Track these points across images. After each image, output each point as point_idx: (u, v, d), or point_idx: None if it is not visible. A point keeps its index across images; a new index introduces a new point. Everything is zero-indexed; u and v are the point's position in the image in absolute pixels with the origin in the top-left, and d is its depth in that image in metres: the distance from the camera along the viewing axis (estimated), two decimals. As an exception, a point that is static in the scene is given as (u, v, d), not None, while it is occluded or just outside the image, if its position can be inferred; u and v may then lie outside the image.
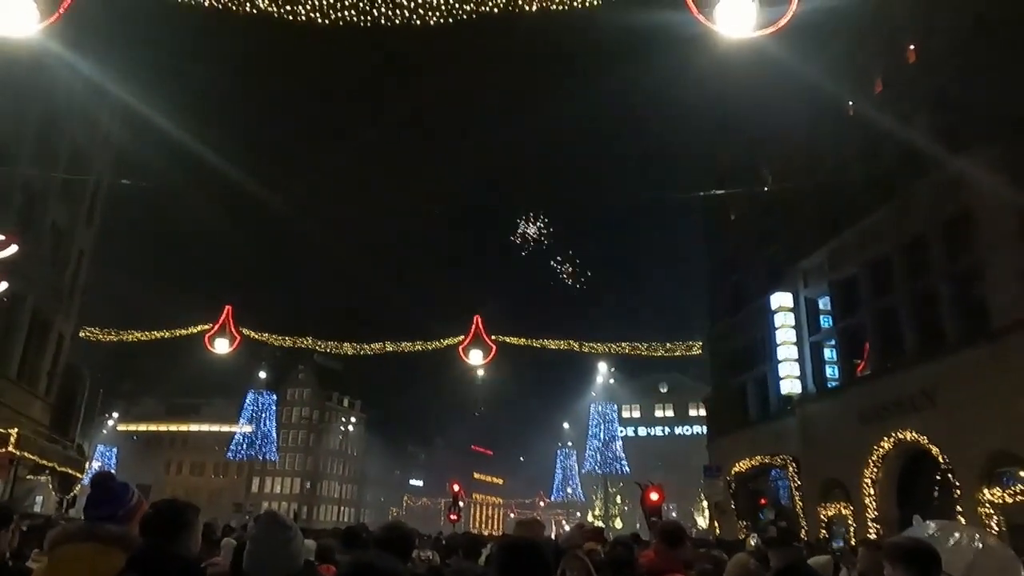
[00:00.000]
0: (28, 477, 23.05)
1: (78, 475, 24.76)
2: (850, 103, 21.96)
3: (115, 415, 63.70)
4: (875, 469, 18.74)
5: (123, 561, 2.73)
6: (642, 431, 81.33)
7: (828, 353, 22.39)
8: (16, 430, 19.82)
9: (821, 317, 22.69)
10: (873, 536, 16.65)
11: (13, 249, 17.82)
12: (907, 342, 18.49)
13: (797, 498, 22.05)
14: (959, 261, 17.40)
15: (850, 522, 19.58)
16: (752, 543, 8.58)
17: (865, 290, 20.24)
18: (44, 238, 23.35)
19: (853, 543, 15.10)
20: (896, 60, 20.48)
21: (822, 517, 20.76)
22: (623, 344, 31.23)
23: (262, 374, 62.18)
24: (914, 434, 17.53)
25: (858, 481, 19.03)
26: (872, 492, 18.75)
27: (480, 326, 27.06)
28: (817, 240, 22.08)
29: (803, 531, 20.51)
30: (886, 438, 18.37)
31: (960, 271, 17.37)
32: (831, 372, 22.17)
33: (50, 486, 24.95)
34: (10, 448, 19.45)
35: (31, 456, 21.13)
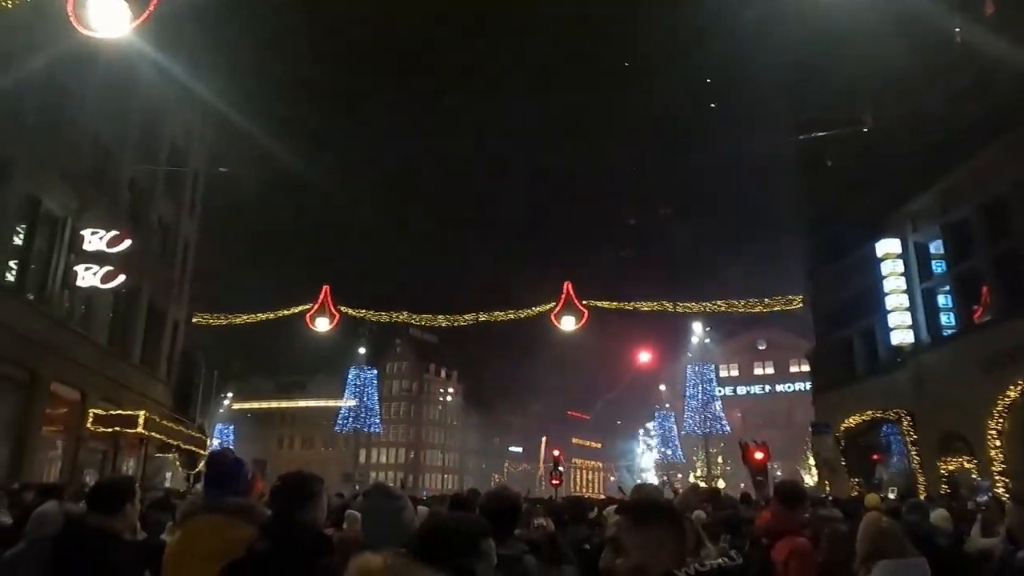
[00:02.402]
0: (157, 455, 24.80)
1: (201, 452, 26.42)
2: (957, 30, 20.33)
3: (229, 395, 67.40)
4: (1001, 419, 17.60)
5: (248, 531, 2.82)
6: (741, 390, 79.73)
7: (942, 300, 21.10)
8: (143, 412, 21.29)
9: (933, 262, 21.37)
10: (1001, 490, 15.73)
11: (127, 244, 18.98)
12: (1032, 283, 17.18)
13: (913, 453, 21.05)
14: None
15: (974, 476, 18.55)
16: (873, 500, 8.20)
17: (981, 231, 18.88)
18: (153, 232, 24.69)
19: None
20: (1009, -23, 18.77)
21: (942, 471, 19.76)
22: (718, 302, 30.44)
23: (361, 350, 64.25)
24: (1044, 381, 16.35)
25: (982, 433, 17.94)
26: (998, 444, 17.64)
27: (571, 292, 26.99)
28: (925, 181, 20.69)
29: (921, 487, 19.64)
30: (1012, 387, 17.20)
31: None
32: (946, 320, 20.90)
33: (177, 463, 26.76)
34: (139, 429, 20.94)
35: (158, 436, 22.70)
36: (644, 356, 41.42)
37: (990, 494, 15.40)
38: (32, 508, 4.34)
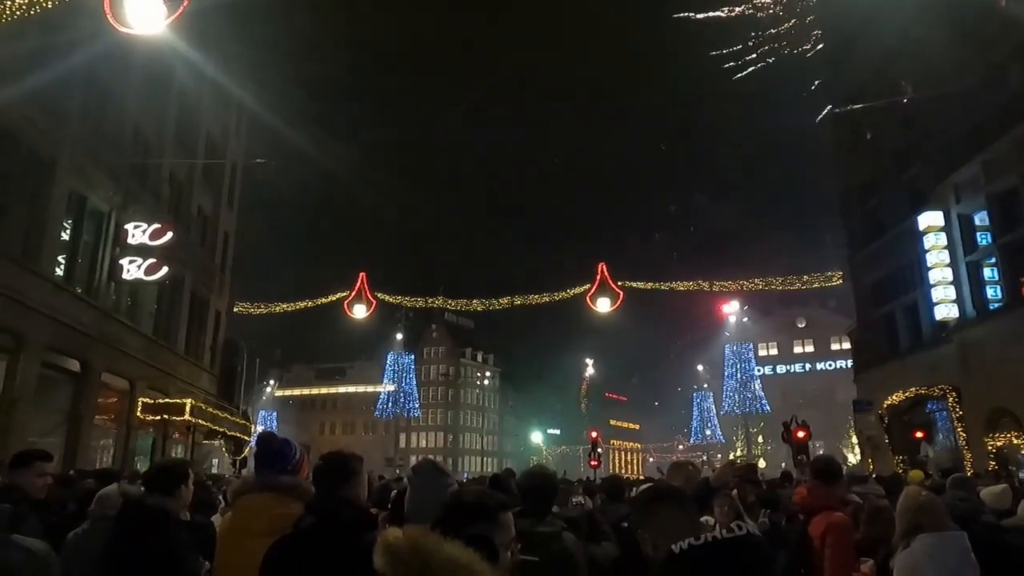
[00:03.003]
0: (204, 442, 25.47)
1: (246, 438, 27.08)
2: (1001, -6, 19.63)
3: (271, 382, 68.71)
4: (1050, 394, 17.19)
5: (298, 508, 2.93)
6: (781, 369, 78.91)
7: (988, 272, 20.53)
8: (190, 400, 21.89)
9: (978, 234, 20.79)
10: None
11: (169, 236, 19.43)
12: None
13: (959, 429, 20.64)
14: None
15: (1023, 452, 18.15)
16: (916, 476, 8.12)
17: (1029, 200, 18.33)
18: (193, 224, 25.20)
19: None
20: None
21: (990, 448, 19.36)
22: (756, 280, 30.11)
23: (399, 335, 64.96)
24: (1096, 354, 15.88)
25: (1031, 409, 17.57)
26: (1048, 419, 17.25)
27: (606, 273, 26.91)
28: (968, 151, 20.10)
29: (968, 464, 19.28)
30: (1062, 361, 16.76)
31: None
32: (993, 293, 20.34)
33: (223, 449, 27.46)
34: (186, 416, 21.53)
35: (204, 423, 23.31)
36: (727, 307, 41.29)
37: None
38: (92, 492, 4.55)
